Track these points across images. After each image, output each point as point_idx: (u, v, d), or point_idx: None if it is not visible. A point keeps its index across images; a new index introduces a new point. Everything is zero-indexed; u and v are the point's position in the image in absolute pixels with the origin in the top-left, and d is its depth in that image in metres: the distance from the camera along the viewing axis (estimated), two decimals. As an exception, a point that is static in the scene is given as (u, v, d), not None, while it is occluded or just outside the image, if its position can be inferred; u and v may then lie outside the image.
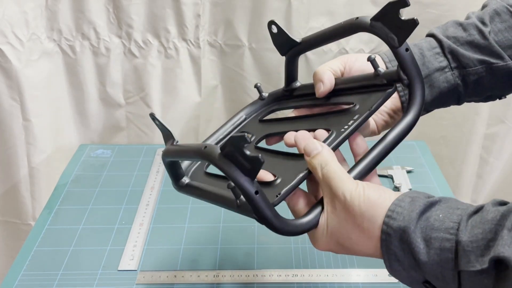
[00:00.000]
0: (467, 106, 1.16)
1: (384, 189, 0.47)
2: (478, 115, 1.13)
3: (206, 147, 0.48)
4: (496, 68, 0.58)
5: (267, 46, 1.08)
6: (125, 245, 0.78)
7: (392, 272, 0.45)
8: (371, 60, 0.55)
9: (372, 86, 0.56)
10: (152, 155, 1.00)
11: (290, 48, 0.63)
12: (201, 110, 1.16)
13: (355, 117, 0.53)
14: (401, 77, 0.52)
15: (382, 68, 0.55)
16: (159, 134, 1.29)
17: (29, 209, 1.16)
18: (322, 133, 0.54)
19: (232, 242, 0.79)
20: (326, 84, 0.58)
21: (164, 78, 1.13)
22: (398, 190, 0.88)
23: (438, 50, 0.59)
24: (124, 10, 1.05)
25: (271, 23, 0.62)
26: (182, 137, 1.17)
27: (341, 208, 0.46)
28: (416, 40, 0.61)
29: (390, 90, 0.54)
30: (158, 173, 0.94)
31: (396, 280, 0.70)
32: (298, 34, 1.07)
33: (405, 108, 0.58)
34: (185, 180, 0.59)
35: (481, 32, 0.58)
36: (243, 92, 1.14)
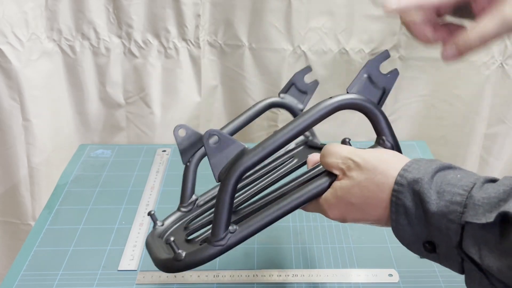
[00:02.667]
0: (467, 106, 1.16)
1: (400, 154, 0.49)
2: (478, 115, 1.13)
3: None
4: None
5: (267, 46, 1.08)
6: (125, 245, 0.78)
7: (397, 228, 0.45)
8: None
9: None
10: (152, 155, 1.00)
11: (197, 151, 0.64)
12: (201, 110, 1.16)
13: None
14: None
15: None
16: (159, 134, 1.30)
17: (29, 209, 1.16)
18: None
19: (232, 242, 0.78)
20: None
21: (164, 78, 1.13)
22: (398, 190, 0.88)
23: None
24: (124, 10, 1.05)
25: (179, 127, 0.60)
26: (182, 137, 1.17)
27: (355, 167, 0.48)
28: None
29: None
30: (158, 173, 0.94)
31: (396, 280, 0.71)
32: (298, 34, 1.07)
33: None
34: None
35: None
36: (243, 92, 1.14)
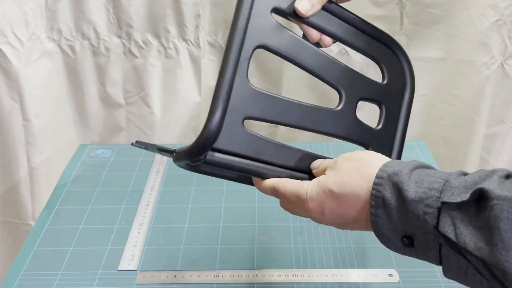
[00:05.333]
0: (467, 106, 1.16)
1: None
2: (478, 115, 1.13)
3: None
4: None
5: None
6: (125, 245, 0.78)
7: (376, 222, 0.46)
8: None
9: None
10: (152, 155, 1.00)
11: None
12: (201, 110, 1.16)
13: None
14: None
15: None
16: (159, 134, 1.30)
17: (29, 209, 1.16)
18: None
19: (232, 242, 0.79)
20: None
21: (164, 78, 1.13)
22: (398, 190, 0.88)
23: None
24: (124, 10, 1.05)
25: (136, 143, 0.58)
26: (182, 137, 1.17)
27: (341, 159, 0.50)
28: None
29: None
30: (158, 173, 0.94)
31: (396, 280, 0.71)
32: (298, 34, 1.07)
33: None
34: None
35: None
36: (243, 92, 1.14)
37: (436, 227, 0.41)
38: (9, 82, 1.04)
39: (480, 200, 0.39)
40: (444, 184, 0.42)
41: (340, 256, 0.75)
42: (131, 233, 0.80)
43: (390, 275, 0.72)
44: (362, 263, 0.74)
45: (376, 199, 0.45)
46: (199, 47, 1.09)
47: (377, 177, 0.46)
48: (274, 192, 0.54)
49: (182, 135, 1.16)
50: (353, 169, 0.48)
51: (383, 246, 0.79)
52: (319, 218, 0.51)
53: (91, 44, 1.09)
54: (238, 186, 0.90)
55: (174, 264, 0.74)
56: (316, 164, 0.56)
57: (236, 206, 0.86)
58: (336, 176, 0.49)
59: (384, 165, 0.46)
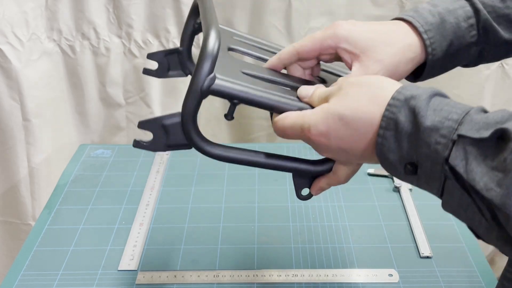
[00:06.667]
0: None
1: None
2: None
3: None
4: None
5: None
6: (125, 245, 0.78)
7: (382, 144, 0.43)
8: None
9: None
10: (152, 155, 1.00)
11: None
12: (201, 110, 1.16)
13: None
14: None
15: None
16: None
17: (29, 209, 1.16)
18: None
19: (232, 242, 0.79)
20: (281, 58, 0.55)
21: (164, 78, 1.13)
22: (398, 191, 0.88)
23: (473, 21, 0.54)
24: (124, 10, 1.05)
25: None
26: (182, 137, 1.17)
27: (348, 86, 0.46)
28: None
29: None
30: (158, 173, 0.94)
31: (396, 280, 0.71)
32: (298, 34, 1.07)
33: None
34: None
35: None
36: (243, 92, 1.14)
37: (447, 159, 0.39)
38: (9, 82, 1.04)
39: (499, 140, 0.37)
40: (463, 117, 0.39)
41: (340, 256, 0.75)
42: (131, 233, 0.80)
43: (390, 275, 0.72)
44: (362, 263, 0.74)
45: (387, 120, 0.42)
46: (198, 47, 1.09)
47: (392, 98, 0.43)
48: (275, 128, 0.51)
49: (182, 135, 1.16)
50: (364, 94, 0.45)
51: (383, 246, 0.79)
52: (324, 147, 0.47)
53: (91, 44, 1.09)
54: (238, 186, 0.90)
55: (174, 264, 0.74)
56: (305, 92, 0.51)
57: (236, 206, 0.86)
58: (345, 101, 0.45)
59: (401, 88, 0.43)
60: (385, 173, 0.92)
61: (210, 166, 0.96)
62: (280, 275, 0.72)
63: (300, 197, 0.55)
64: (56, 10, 1.04)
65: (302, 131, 0.48)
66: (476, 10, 0.54)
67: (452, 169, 0.39)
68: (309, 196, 0.55)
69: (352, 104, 0.45)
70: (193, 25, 0.60)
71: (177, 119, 0.49)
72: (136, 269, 0.74)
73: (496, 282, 0.71)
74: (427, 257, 0.75)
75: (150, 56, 0.58)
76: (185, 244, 0.78)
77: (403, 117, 0.41)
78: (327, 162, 0.52)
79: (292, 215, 0.84)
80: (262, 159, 0.51)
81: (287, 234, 0.80)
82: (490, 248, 1.40)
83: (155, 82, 1.12)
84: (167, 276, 0.72)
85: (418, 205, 0.85)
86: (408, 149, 0.42)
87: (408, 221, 0.82)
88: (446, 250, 0.76)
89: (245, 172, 0.93)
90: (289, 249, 0.77)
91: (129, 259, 0.75)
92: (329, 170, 0.52)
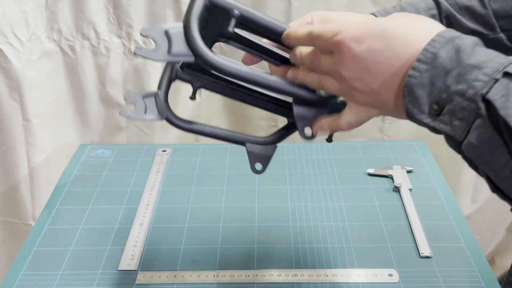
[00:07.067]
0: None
1: None
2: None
3: None
4: (485, 39, 0.56)
5: (267, 46, 1.08)
6: (125, 245, 0.78)
7: (413, 76, 0.41)
8: None
9: None
10: (152, 155, 1.00)
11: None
12: (201, 110, 1.16)
13: None
14: None
15: None
16: (159, 134, 1.30)
17: (29, 209, 1.16)
18: None
19: (232, 242, 0.79)
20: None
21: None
22: (398, 190, 0.88)
23: (435, 12, 0.57)
24: (124, 10, 1.05)
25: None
26: (182, 137, 1.17)
27: (392, 17, 0.45)
28: None
29: None
30: (158, 173, 0.94)
31: (396, 280, 0.71)
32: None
33: None
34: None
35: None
36: (243, 92, 1.14)
37: (484, 95, 0.38)
38: (9, 82, 1.04)
39: None
40: (510, 62, 0.39)
41: (340, 256, 0.75)
42: (131, 233, 0.80)
43: (390, 275, 0.72)
44: (362, 263, 0.74)
45: (426, 53, 0.41)
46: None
47: (438, 35, 0.41)
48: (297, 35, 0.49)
49: (182, 135, 1.16)
50: (412, 21, 0.43)
51: (383, 246, 0.79)
52: (348, 61, 0.44)
53: (91, 44, 1.09)
54: (238, 186, 0.90)
55: (174, 264, 0.74)
56: (302, 31, 0.49)
57: (236, 206, 0.86)
58: (392, 20, 0.44)
59: (448, 29, 0.42)
60: (385, 173, 0.92)
61: (210, 166, 0.96)
62: (280, 275, 0.72)
63: (304, 136, 0.54)
64: (56, 10, 1.04)
65: (334, 35, 0.44)
66: (437, 2, 0.57)
67: (488, 107, 0.38)
68: (312, 136, 0.54)
69: (400, 23, 0.43)
70: (171, 71, 0.60)
71: (181, 27, 0.48)
72: (136, 269, 0.74)
73: (496, 282, 0.71)
74: (427, 257, 0.75)
75: (127, 97, 0.57)
76: (185, 244, 0.78)
77: (444, 53, 0.40)
78: (332, 97, 0.52)
79: (292, 215, 0.84)
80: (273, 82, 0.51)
81: (287, 234, 0.80)
82: (490, 248, 1.41)
83: (155, 82, 1.12)
84: (167, 276, 0.72)
85: (418, 205, 0.85)
86: (441, 86, 0.41)
87: (408, 221, 0.82)
88: (446, 250, 0.76)
89: (245, 172, 0.93)
90: (289, 249, 0.77)
91: (129, 259, 0.75)
92: (332, 107, 0.52)
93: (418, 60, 0.41)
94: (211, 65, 0.49)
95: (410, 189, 0.88)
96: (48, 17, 1.05)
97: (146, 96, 0.55)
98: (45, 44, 1.07)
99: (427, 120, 0.42)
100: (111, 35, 1.08)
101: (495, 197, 0.43)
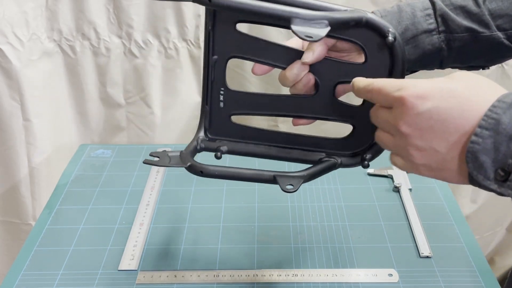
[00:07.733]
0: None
1: None
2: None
3: None
4: (481, 37, 0.58)
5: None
6: (125, 245, 0.78)
7: (476, 142, 0.41)
8: None
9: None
10: (152, 155, 1.00)
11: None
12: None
13: None
14: None
15: None
16: (159, 134, 1.30)
17: (29, 209, 1.16)
18: None
19: (232, 242, 0.79)
20: (316, 52, 0.56)
21: (164, 78, 1.13)
22: (398, 190, 0.88)
23: (430, 11, 0.59)
24: (124, 10, 1.05)
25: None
26: (182, 137, 1.17)
27: (453, 77, 0.45)
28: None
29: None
30: (158, 173, 0.94)
31: (396, 280, 0.71)
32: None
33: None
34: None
35: None
36: (243, 92, 1.14)
37: None
38: (10, 82, 1.04)
39: None
40: None
41: (340, 256, 0.75)
42: (131, 233, 0.80)
43: (390, 275, 0.72)
44: (362, 263, 0.74)
45: (488, 119, 0.41)
46: (199, 47, 1.09)
47: (498, 100, 0.41)
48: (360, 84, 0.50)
49: (182, 135, 1.16)
50: (474, 84, 0.44)
51: (383, 246, 0.79)
52: (410, 121, 0.44)
53: (91, 44, 1.09)
54: (238, 186, 0.90)
55: (174, 264, 0.74)
56: (363, 82, 0.50)
57: (236, 206, 0.86)
58: (452, 80, 0.44)
59: (508, 93, 0.43)
60: (385, 173, 0.92)
61: (210, 166, 0.96)
62: (280, 275, 0.72)
63: (285, 190, 0.56)
64: (56, 10, 1.04)
65: (396, 90, 0.45)
66: (432, 2, 0.60)
67: None
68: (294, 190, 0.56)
69: (464, 85, 0.43)
70: (197, 142, 0.67)
71: (177, 153, 0.61)
72: (136, 269, 0.74)
73: (495, 282, 0.71)
74: (427, 257, 0.75)
75: (152, 154, 0.62)
76: (185, 244, 0.78)
77: (507, 119, 0.40)
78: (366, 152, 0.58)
79: (292, 215, 0.84)
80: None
81: (287, 234, 0.80)
82: (490, 248, 1.41)
83: (155, 82, 1.12)
84: (167, 276, 0.72)
85: (418, 205, 0.85)
86: (506, 151, 0.40)
87: (408, 221, 0.82)
88: (446, 250, 0.76)
89: (245, 172, 0.93)
90: (289, 249, 0.77)
91: (129, 259, 0.75)
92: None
93: (480, 126, 0.41)
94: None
95: (410, 189, 0.88)
96: (48, 17, 1.05)
97: (171, 152, 0.62)
98: (46, 44, 1.07)
99: (494, 186, 0.42)
100: (111, 35, 1.08)
101: (495, 197, 0.43)
